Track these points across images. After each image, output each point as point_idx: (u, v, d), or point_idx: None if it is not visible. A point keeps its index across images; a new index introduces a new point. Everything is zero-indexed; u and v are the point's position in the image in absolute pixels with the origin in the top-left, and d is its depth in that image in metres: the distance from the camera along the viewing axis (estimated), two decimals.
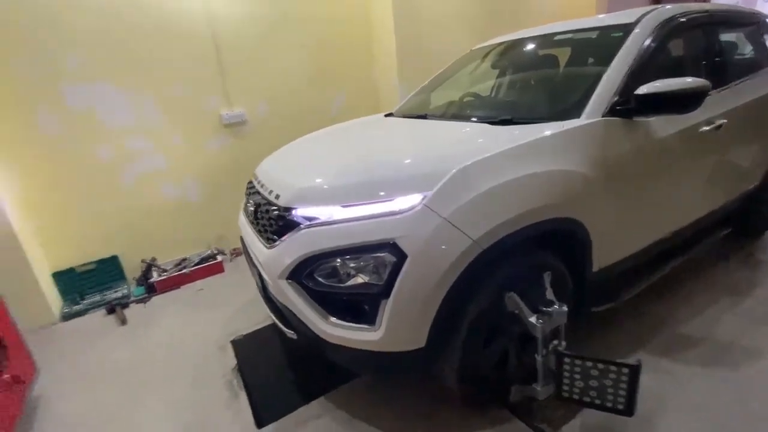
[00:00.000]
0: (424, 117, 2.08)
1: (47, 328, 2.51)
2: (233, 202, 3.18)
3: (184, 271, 2.92)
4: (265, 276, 1.50)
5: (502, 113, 1.71)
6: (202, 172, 3.11)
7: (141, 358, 2.15)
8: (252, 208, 1.69)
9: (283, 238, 1.43)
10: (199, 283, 2.90)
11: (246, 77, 3.11)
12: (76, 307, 2.69)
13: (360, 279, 1.31)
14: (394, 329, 1.31)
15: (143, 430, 1.70)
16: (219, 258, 3.07)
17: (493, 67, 2.37)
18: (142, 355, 2.18)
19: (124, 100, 2.75)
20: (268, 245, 1.50)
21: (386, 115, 2.40)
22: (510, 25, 3.71)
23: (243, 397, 1.80)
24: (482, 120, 1.74)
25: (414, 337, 1.32)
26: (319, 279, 1.35)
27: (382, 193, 1.35)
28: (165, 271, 2.95)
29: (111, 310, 2.63)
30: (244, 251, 1.94)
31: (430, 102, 2.42)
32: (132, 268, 3.00)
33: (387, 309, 1.29)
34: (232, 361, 2.03)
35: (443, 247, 1.27)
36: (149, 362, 2.11)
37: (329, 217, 1.38)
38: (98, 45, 2.60)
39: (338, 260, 1.33)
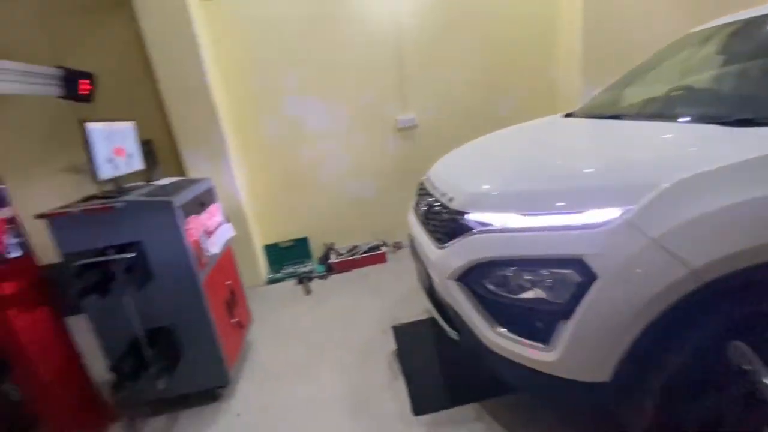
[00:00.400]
0: (616, 117, 1.79)
1: (256, 288, 3.19)
2: (400, 200, 3.40)
3: (354, 257, 3.29)
4: (432, 274, 1.55)
5: (735, 111, 1.33)
6: (378, 171, 3.43)
7: (320, 325, 2.53)
8: (424, 209, 1.76)
9: (454, 241, 1.44)
10: (366, 269, 3.23)
11: (420, 82, 3.27)
12: (277, 275, 3.34)
13: (535, 293, 1.23)
14: (572, 355, 1.18)
15: (321, 382, 2.00)
16: (383, 249, 3.35)
17: (719, 53, 1.86)
18: (321, 322, 2.56)
19: (324, 109, 3.25)
20: (438, 245, 1.54)
21: (566, 116, 2.17)
22: (740, 3, 2.86)
23: (401, 381, 1.93)
24: (701, 120, 1.39)
25: (596, 369, 1.17)
26: (489, 286, 1.32)
27: (565, 204, 1.23)
28: (340, 254, 3.39)
29: (300, 281, 3.17)
30: (411, 247, 2.05)
31: (624, 99, 2.06)
32: (317, 249, 3.54)
33: (566, 331, 1.17)
34: (392, 346, 2.19)
35: (647, 273, 1.07)
36: (327, 329, 2.46)
37: (504, 225, 1.33)
38: (311, 64, 3.14)
39: (512, 270, 1.27)
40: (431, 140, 3.35)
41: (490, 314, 1.34)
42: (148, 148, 2.26)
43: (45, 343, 1.67)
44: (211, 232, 2.06)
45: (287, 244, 3.48)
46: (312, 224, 3.48)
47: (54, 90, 2.35)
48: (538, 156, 1.61)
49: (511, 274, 1.26)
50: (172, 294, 1.78)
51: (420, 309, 2.47)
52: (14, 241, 1.60)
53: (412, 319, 2.38)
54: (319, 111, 3.23)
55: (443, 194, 1.62)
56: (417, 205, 1.92)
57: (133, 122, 2.01)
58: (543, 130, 2.01)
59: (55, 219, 1.62)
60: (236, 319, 2.19)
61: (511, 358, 1.30)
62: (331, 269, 3.27)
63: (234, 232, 2.39)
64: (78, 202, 1.72)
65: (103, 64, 2.86)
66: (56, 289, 1.73)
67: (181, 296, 1.79)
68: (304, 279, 3.15)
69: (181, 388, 1.90)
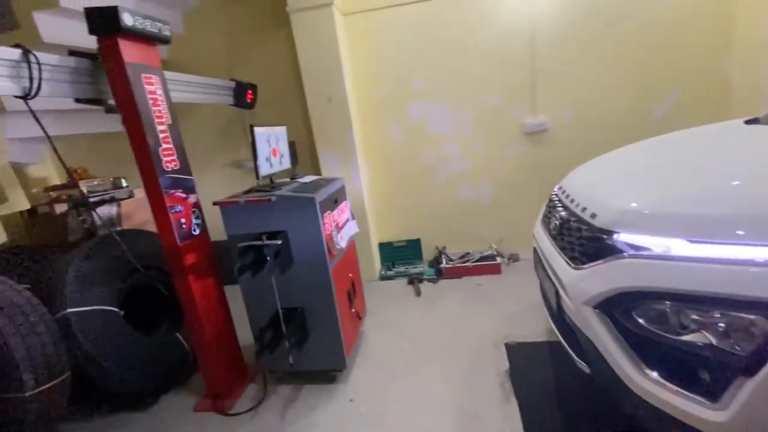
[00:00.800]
0: None
1: (370, 283, 3.37)
2: (520, 210, 3.27)
3: (467, 264, 3.23)
4: (563, 296, 1.43)
5: None
6: (497, 177, 3.31)
7: (429, 327, 2.55)
8: (556, 223, 1.63)
9: (596, 263, 1.30)
10: (477, 278, 3.15)
11: (554, 84, 3.04)
12: (389, 273, 3.47)
13: (703, 337, 1.03)
14: (750, 419, 0.95)
15: (429, 384, 2.02)
16: (498, 260, 3.22)
17: None
18: (430, 324, 2.58)
19: (448, 113, 3.26)
20: (573, 265, 1.41)
21: (748, 122, 1.76)
22: None
23: (514, 403, 1.82)
24: None
25: None
26: (640, 320, 1.15)
27: (747, 232, 1.00)
28: (451, 260, 3.36)
29: (410, 282, 3.24)
30: (536, 263, 1.92)
31: None
32: (428, 251, 3.58)
33: (746, 390, 0.95)
34: (505, 363, 2.09)
35: None
36: (436, 332, 2.47)
37: (666, 251, 1.14)
38: (437, 69, 3.18)
39: (672, 306, 1.08)
40: (564, 147, 3.10)
41: (636, 353, 1.17)
42: (292, 149, 2.59)
43: (210, 306, 2.03)
44: (341, 227, 2.24)
45: (400, 243, 3.59)
46: (425, 226, 3.53)
47: (228, 99, 2.83)
48: (713, 171, 1.34)
49: (671, 311, 1.08)
50: (307, 280, 1.99)
51: (538, 329, 2.30)
52: (197, 221, 1.99)
53: (528, 339, 2.23)
54: (442, 115, 3.26)
55: (583, 208, 1.47)
56: (547, 217, 1.79)
57: (285, 127, 2.31)
58: (717, 139, 1.67)
59: (226, 207, 1.96)
60: (354, 310, 2.34)
61: (661, 407, 1.12)
62: (441, 273, 3.27)
63: (357, 229, 2.57)
64: (243, 193, 2.04)
65: (262, 75, 3.34)
66: (221, 262, 2.09)
67: (313, 282, 1.99)
68: (414, 280, 3.21)
69: (305, 365, 2.11)
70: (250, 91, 2.94)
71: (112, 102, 1.84)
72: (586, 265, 1.33)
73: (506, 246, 3.39)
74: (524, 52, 3.03)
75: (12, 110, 2.52)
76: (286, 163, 2.31)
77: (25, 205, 2.86)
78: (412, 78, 3.23)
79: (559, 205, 1.70)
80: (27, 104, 1.56)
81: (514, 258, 3.32)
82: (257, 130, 1.95)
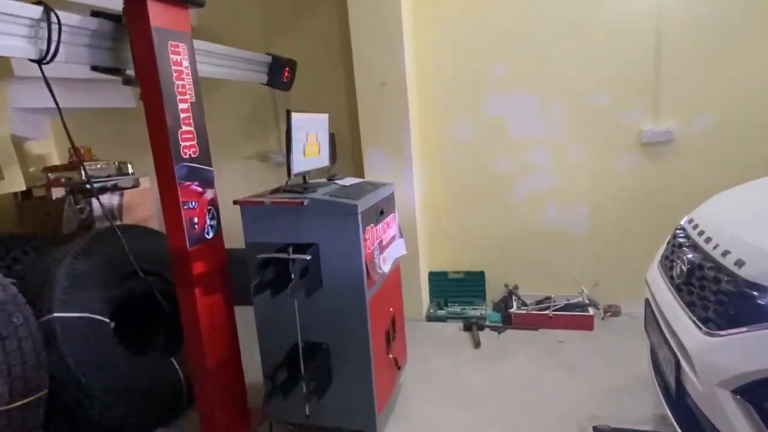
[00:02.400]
0: None
1: (415, 323, 3.36)
2: (626, 245, 3.17)
3: (546, 312, 3.13)
4: (687, 370, 1.34)
5: None
6: (598, 199, 3.21)
7: (489, 392, 2.49)
8: (683, 268, 1.55)
9: (740, 330, 1.22)
10: (559, 333, 3.04)
11: (688, 80, 2.92)
12: (440, 312, 3.44)
13: None
14: None
15: None
16: (590, 311, 3.10)
17: None
18: (490, 388, 2.52)
19: (535, 110, 3.23)
20: (705, 329, 1.33)
21: None
22: None
23: None
24: None
25: None
26: None
27: None
28: (525, 304, 3.27)
29: (467, 327, 3.19)
30: (646, 319, 1.83)
31: None
32: (493, 289, 3.51)
33: None
34: None
35: None
36: (496, 401, 2.40)
37: None
38: (521, 52, 3.18)
39: None
40: (696, 165, 2.97)
41: None
42: (331, 143, 2.68)
43: (217, 328, 2.12)
44: (385, 246, 2.26)
45: (457, 275, 3.56)
46: (492, 256, 3.49)
47: (261, 77, 2.99)
48: None
49: None
50: (337, 309, 2.02)
51: (642, 413, 2.18)
52: (212, 222, 2.10)
53: (628, 425, 2.10)
54: (527, 112, 3.23)
55: (723, 252, 1.39)
56: (669, 260, 1.72)
57: (327, 115, 2.39)
58: None
59: (248, 207, 2.05)
60: (393, 356, 2.34)
61: None
62: (509, 321, 3.21)
63: (405, 251, 2.58)
64: (270, 193, 2.13)
65: (302, 50, 3.51)
66: (234, 275, 2.18)
67: (344, 313, 2.02)
68: (473, 325, 3.16)
69: (324, 419, 2.13)
70: (288, 69, 3.09)
71: (131, 72, 2.01)
72: (724, 332, 1.26)
73: (603, 293, 3.25)
74: (647, 36, 2.95)
75: (19, 75, 2.82)
76: (324, 160, 2.38)
77: (21, 186, 3.17)
78: (492, 62, 3.24)
79: (688, 244, 1.63)
80: (41, 69, 1.74)
81: (612, 311, 3.19)
82: (295, 116, 2.03)
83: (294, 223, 2.00)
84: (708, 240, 1.52)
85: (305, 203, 1.94)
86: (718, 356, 1.24)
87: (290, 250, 1.90)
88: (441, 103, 3.39)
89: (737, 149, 2.87)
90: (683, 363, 1.39)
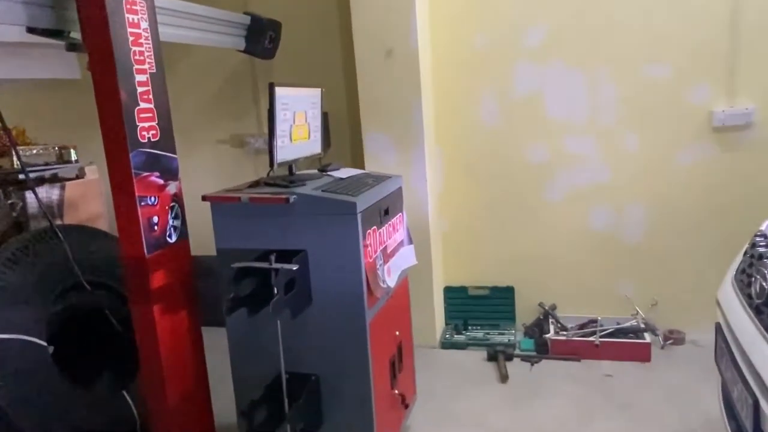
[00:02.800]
0: None
1: (426, 351, 3.36)
2: (692, 256, 3.17)
3: (591, 339, 3.13)
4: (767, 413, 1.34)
5: None
6: (656, 198, 3.22)
7: None
8: (764, 284, 1.55)
9: None
10: (607, 364, 3.04)
11: None
12: (458, 338, 3.45)
13: None
14: None
15: None
16: (647, 338, 3.10)
17: None
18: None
19: (579, 85, 3.23)
20: None
21: None
22: None
23: None
24: None
25: None
26: None
27: None
28: (564, 329, 3.28)
29: (492, 357, 3.19)
30: (718, 349, 1.83)
31: None
32: (524, 310, 3.52)
33: None
34: None
35: None
36: None
37: None
38: (561, 13, 3.18)
39: None
40: None
41: None
42: (324, 125, 2.67)
43: (179, 355, 2.13)
44: (390, 254, 2.27)
45: (480, 292, 3.57)
46: (524, 268, 3.49)
47: (237, 42, 3.00)
48: None
49: None
50: (330, 332, 2.03)
51: None
52: (175, 222, 2.11)
53: None
54: (569, 88, 3.25)
55: None
56: (746, 275, 1.72)
57: (320, 90, 2.40)
58: None
59: (219, 204, 2.06)
60: (399, 391, 2.34)
61: None
62: (545, 349, 3.21)
63: (415, 260, 2.58)
64: (247, 187, 2.14)
65: (287, 11, 3.51)
66: (202, 289, 2.19)
67: (339, 338, 2.02)
68: (499, 354, 3.17)
69: None
70: (270, 32, 3.10)
71: (76, 35, 2.02)
72: None
73: (662, 316, 3.25)
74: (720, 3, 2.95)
75: None
76: (316, 147, 2.38)
77: None
78: (527, 26, 3.25)
79: None
80: None
81: (674, 337, 3.20)
82: (280, 91, 2.04)
83: (277, 225, 2.00)
84: None
85: (291, 200, 1.95)
86: None
87: (272, 258, 1.89)
88: (461, 77, 3.39)
89: None
90: (763, 404, 1.38)
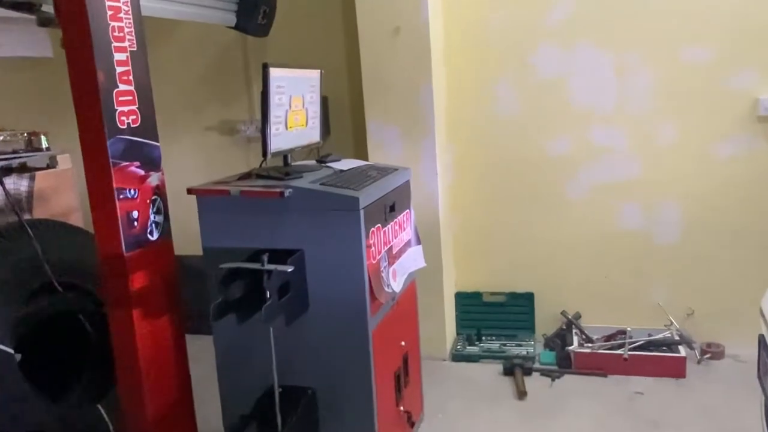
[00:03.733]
0: None
1: (435, 363, 3.36)
2: (734, 261, 3.16)
3: (619, 352, 3.12)
4: None
5: None
6: (695, 196, 3.21)
7: None
8: None
9: None
10: (637, 380, 3.04)
11: None
12: (470, 349, 3.45)
13: None
14: None
15: None
16: (682, 351, 3.10)
17: None
18: None
19: (606, 70, 3.22)
20: None
21: None
22: None
23: None
24: None
25: None
26: None
27: None
28: (590, 340, 3.27)
29: (509, 371, 3.19)
30: (762, 361, 1.82)
31: None
32: (545, 319, 3.52)
33: None
34: None
35: None
36: None
37: None
38: None
39: None
40: None
41: None
42: (324, 110, 2.66)
43: (161, 365, 2.13)
44: (395, 255, 2.26)
45: (495, 298, 3.57)
46: (544, 272, 3.50)
47: (227, 17, 3.01)
48: None
49: None
50: (328, 341, 2.03)
51: None
52: (157, 218, 2.10)
53: None
54: (597, 72, 3.24)
55: None
56: None
57: (320, 71, 2.40)
58: None
59: (207, 198, 2.06)
60: (404, 409, 2.35)
61: None
62: (567, 363, 3.21)
63: (423, 262, 2.58)
64: (237, 179, 2.14)
65: None
66: (187, 292, 2.19)
67: (338, 348, 2.03)
68: (517, 368, 3.16)
69: None
70: (264, 7, 3.10)
71: (49, 9, 2.02)
72: None
73: (699, 327, 3.26)
74: None
75: None
76: (314, 135, 2.38)
77: None
78: (550, 3, 3.24)
79: None
80: None
81: (712, 351, 3.19)
82: (274, 72, 2.04)
83: (271, 222, 2.01)
84: None
85: (287, 194, 1.94)
86: None
87: (265, 258, 1.89)
88: (476, 59, 3.38)
89: None
90: None
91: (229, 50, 3.89)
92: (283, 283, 1.87)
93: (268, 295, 1.81)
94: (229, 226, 2.05)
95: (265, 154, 2.07)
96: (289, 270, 1.86)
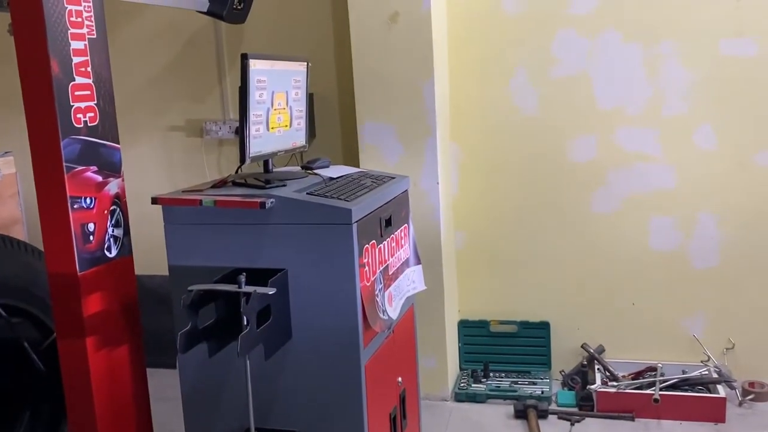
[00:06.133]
0: None
1: (436, 404, 3.36)
2: None
3: (649, 391, 3.13)
4: None
5: None
6: (737, 211, 3.25)
7: None
8: None
9: None
10: (669, 425, 3.05)
11: None
12: (476, 387, 3.45)
13: None
14: None
15: None
16: (720, 391, 3.11)
17: None
18: None
19: (636, 64, 3.27)
20: None
21: None
22: None
23: None
24: None
25: None
26: None
27: None
28: (615, 378, 3.28)
29: (521, 414, 3.19)
30: None
31: None
32: (563, 352, 3.53)
33: None
34: None
35: None
36: None
37: None
38: None
39: None
40: None
41: None
42: (310, 109, 2.65)
43: (118, 402, 2.12)
44: (392, 276, 2.27)
45: (505, 328, 3.59)
46: (562, 299, 3.52)
47: (200, 1, 3.02)
48: None
49: None
50: (313, 376, 2.02)
51: None
52: (115, 232, 2.11)
53: None
54: (625, 67, 3.29)
55: None
56: None
57: (306, 63, 2.42)
58: None
59: (174, 208, 2.06)
60: None
61: None
62: (589, 405, 3.22)
63: (423, 285, 2.59)
64: (210, 187, 2.15)
65: None
66: (149, 318, 2.19)
67: (325, 384, 2.02)
68: (530, 410, 3.17)
69: None
70: None
71: None
72: None
73: (741, 362, 3.29)
74: None
75: None
76: (299, 137, 2.40)
77: None
78: None
79: None
80: None
81: (756, 391, 3.19)
82: (255, 64, 2.05)
83: (249, 237, 2.01)
84: None
85: (268, 205, 1.94)
86: None
87: (242, 279, 1.89)
88: (485, 50, 3.42)
89: None
90: None
91: (199, 39, 3.89)
92: (263, 308, 1.86)
93: (245, 322, 1.79)
94: (200, 241, 2.04)
95: (243, 158, 2.08)
96: (271, 293, 1.85)
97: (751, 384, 3.21)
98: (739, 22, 3.11)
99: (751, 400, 3.17)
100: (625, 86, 3.29)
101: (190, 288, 1.89)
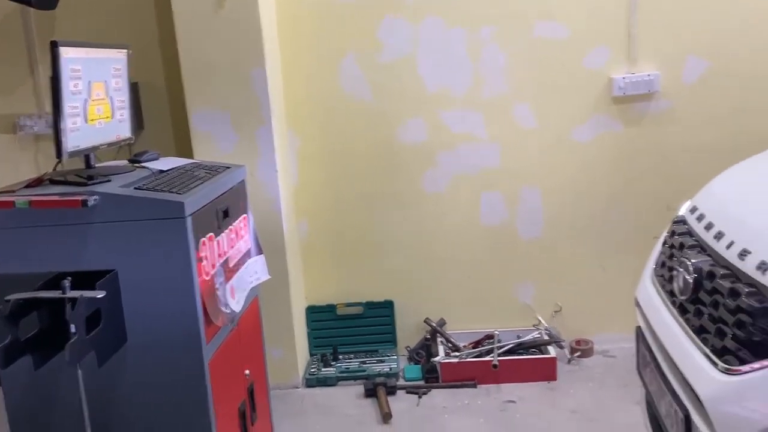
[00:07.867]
0: None
1: (287, 392, 3.32)
2: (605, 250, 3.37)
3: (488, 358, 3.25)
4: (700, 427, 1.45)
5: None
6: (558, 185, 3.42)
7: None
8: (687, 278, 1.66)
9: None
10: (508, 388, 3.17)
11: (673, 11, 3.22)
12: (326, 371, 3.44)
13: None
14: None
15: None
16: (551, 351, 3.28)
17: None
18: None
19: (459, 48, 3.35)
20: (721, 365, 1.43)
21: None
22: None
23: None
24: None
25: None
26: None
27: None
28: (456, 349, 3.38)
29: (371, 392, 3.22)
30: (640, 358, 1.94)
31: None
32: (407, 329, 3.60)
33: None
34: None
35: None
36: None
37: None
38: None
39: None
40: (694, 127, 3.27)
41: None
42: (134, 99, 2.52)
43: None
44: (233, 268, 2.21)
45: (351, 310, 3.60)
46: (404, 278, 3.58)
47: None
48: None
49: None
50: (153, 380, 1.94)
51: None
52: None
53: None
54: (449, 51, 3.36)
55: (741, 251, 1.51)
56: (667, 268, 1.85)
57: (126, 51, 2.27)
58: None
59: None
60: None
61: None
62: (434, 376, 3.29)
63: (267, 274, 2.53)
64: (25, 186, 1.98)
65: None
66: None
67: (167, 386, 1.95)
68: (379, 388, 3.20)
69: None
70: None
71: None
72: (748, 367, 1.34)
73: (569, 324, 3.47)
74: None
75: None
76: (123, 129, 2.26)
77: None
78: None
79: (692, 243, 1.74)
80: None
81: (582, 349, 3.39)
82: (66, 52, 1.92)
83: (72, 239, 1.90)
84: (719, 236, 1.61)
85: (91, 202, 1.84)
86: (743, 403, 1.31)
87: (67, 284, 1.77)
88: (315, 35, 3.38)
89: (749, 106, 3.21)
90: (695, 418, 1.45)
91: (6, 25, 3.57)
92: (92, 312, 1.75)
93: (72, 330, 1.67)
94: (16, 246, 1.90)
95: (59, 154, 1.95)
96: (100, 296, 1.75)
97: (578, 342, 3.41)
98: (549, 7, 3.25)
99: (578, 357, 3.38)
100: (450, 70, 3.36)
101: (7, 298, 1.74)
